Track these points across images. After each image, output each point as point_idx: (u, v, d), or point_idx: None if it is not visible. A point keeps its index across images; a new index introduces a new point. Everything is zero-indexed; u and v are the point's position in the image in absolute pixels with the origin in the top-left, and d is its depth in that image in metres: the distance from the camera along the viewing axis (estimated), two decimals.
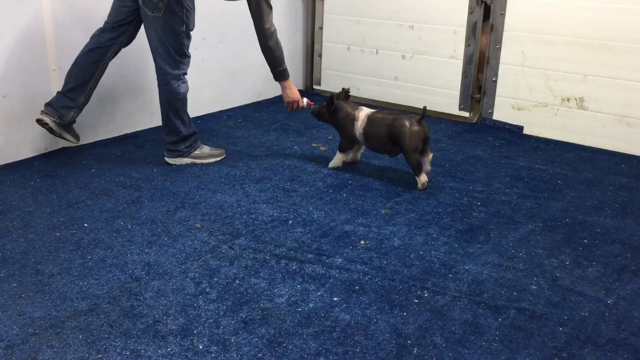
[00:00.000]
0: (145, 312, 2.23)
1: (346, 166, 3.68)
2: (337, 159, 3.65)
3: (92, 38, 3.43)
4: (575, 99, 4.16)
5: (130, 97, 4.11)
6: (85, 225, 2.86)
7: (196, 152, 3.56)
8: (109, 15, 3.41)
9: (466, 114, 4.66)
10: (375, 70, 5.02)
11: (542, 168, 3.73)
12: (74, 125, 3.52)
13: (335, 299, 2.34)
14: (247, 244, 2.73)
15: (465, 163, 3.78)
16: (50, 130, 3.38)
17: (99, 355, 1.99)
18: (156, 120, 4.30)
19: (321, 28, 5.23)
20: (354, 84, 5.15)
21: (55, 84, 3.64)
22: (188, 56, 3.42)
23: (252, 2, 3.40)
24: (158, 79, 3.42)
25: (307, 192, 3.29)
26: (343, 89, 3.61)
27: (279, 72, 3.60)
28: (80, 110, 3.45)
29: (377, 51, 4.97)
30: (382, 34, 4.89)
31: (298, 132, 4.32)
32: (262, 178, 3.47)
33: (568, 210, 3.15)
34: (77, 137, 3.54)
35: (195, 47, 4.43)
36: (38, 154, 3.67)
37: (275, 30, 3.48)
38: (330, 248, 2.71)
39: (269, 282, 2.44)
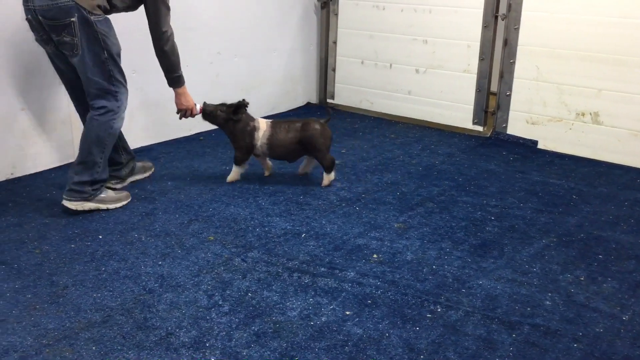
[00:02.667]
0: (158, 324, 2.23)
1: (359, 180, 3.68)
2: (235, 173, 3.56)
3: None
4: (590, 114, 4.14)
5: (145, 111, 4.15)
6: (100, 237, 2.88)
7: (101, 195, 3.17)
8: (69, 94, 3.29)
9: (480, 129, 4.65)
10: (388, 85, 5.03)
11: (557, 183, 3.70)
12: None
13: (347, 312, 2.34)
14: (260, 257, 2.73)
15: (479, 177, 3.77)
16: (117, 189, 3.36)
17: None
18: (171, 133, 4.35)
19: (335, 42, 5.26)
20: (367, 98, 5.17)
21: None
22: (122, 84, 3.10)
23: (149, 4, 3.10)
24: (91, 111, 3.09)
25: (320, 206, 3.29)
26: (243, 99, 3.49)
27: (174, 79, 3.33)
28: (131, 161, 3.48)
29: (390, 65, 4.98)
30: (395, 48, 4.91)
31: None
32: (275, 191, 3.48)
33: (583, 226, 3.12)
34: (148, 169, 3.64)
35: (210, 61, 4.49)
36: (54, 166, 3.71)
37: (172, 33, 3.20)
38: (343, 262, 2.71)
39: (282, 295, 2.44)
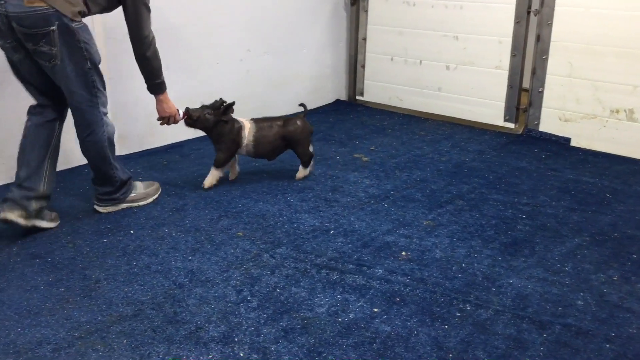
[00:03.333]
0: (187, 318, 2.26)
1: (387, 177, 3.66)
2: (214, 177, 3.43)
3: (31, 114, 2.95)
4: (625, 111, 4.05)
5: (176, 107, 4.19)
6: (132, 232, 2.92)
7: (132, 195, 3.15)
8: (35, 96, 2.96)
9: (511, 125, 4.59)
10: (418, 81, 5.00)
11: (590, 181, 3.64)
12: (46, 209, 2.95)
13: (375, 310, 2.33)
14: (288, 253, 2.74)
15: (510, 175, 3.72)
16: (18, 225, 2.81)
17: None
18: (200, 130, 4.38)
19: (365, 39, 5.24)
20: (396, 95, 5.14)
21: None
22: (103, 92, 2.92)
23: (128, 5, 2.89)
24: (78, 132, 2.93)
25: (348, 203, 3.29)
26: (221, 99, 3.39)
27: (156, 85, 3.15)
28: (45, 199, 2.90)
29: (420, 62, 4.95)
30: (425, 44, 4.87)
31: (340, 142, 4.33)
32: (304, 188, 3.49)
33: (616, 225, 3.06)
34: (54, 220, 2.96)
35: (240, 58, 4.51)
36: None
37: (153, 37, 3.01)
38: (371, 259, 2.70)
39: (310, 291, 2.45)
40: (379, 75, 5.24)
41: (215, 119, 3.31)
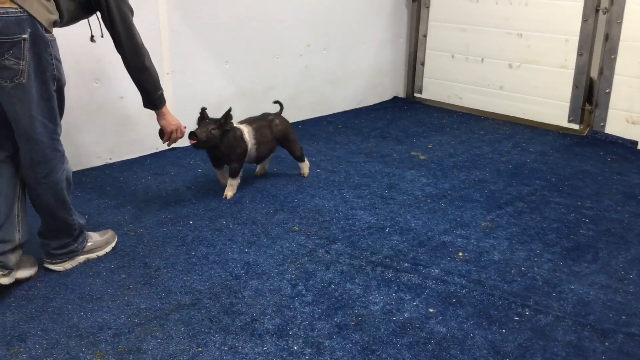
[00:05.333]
0: (243, 309, 2.29)
1: (445, 176, 3.61)
2: (234, 187, 3.29)
3: None
4: None
5: (236, 101, 4.24)
6: (191, 222, 2.98)
7: (89, 244, 2.63)
8: None
9: (576, 127, 4.45)
10: (479, 79, 4.91)
11: None
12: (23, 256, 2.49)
13: (431, 310, 2.30)
14: (344, 249, 2.74)
15: (573, 178, 3.61)
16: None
17: (199, 349, 2.07)
18: None
19: (425, 35, 5.18)
20: (456, 93, 5.06)
21: (168, 87, 3.82)
22: (60, 124, 2.40)
23: (112, 12, 2.46)
24: (31, 173, 2.35)
25: (405, 201, 3.26)
26: (203, 108, 3.21)
27: (158, 98, 2.77)
28: (22, 247, 2.45)
29: (482, 59, 4.85)
30: (488, 42, 4.78)
31: (398, 139, 4.30)
32: (360, 184, 3.48)
33: None
34: (34, 267, 2.51)
35: (300, 53, 4.53)
36: (149, 152, 3.87)
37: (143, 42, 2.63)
38: (427, 258, 2.67)
39: (364, 288, 2.44)
40: (439, 72, 5.16)
41: (220, 131, 3.13)
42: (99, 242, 2.67)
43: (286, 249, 2.74)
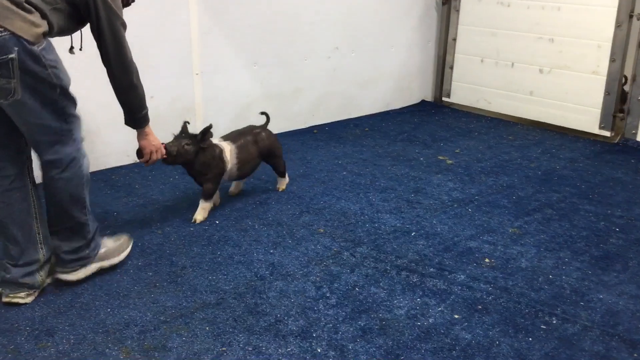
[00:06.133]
0: (268, 310, 2.29)
1: (472, 181, 3.58)
2: (205, 210, 3.02)
3: None
4: None
5: (263, 103, 4.27)
6: (217, 222, 3.00)
7: (102, 250, 2.50)
8: None
9: (607, 134, 4.38)
10: (509, 84, 4.86)
11: None
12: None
13: (456, 316, 2.28)
14: (369, 253, 2.73)
15: (603, 185, 3.55)
16: (28, 303, 2.34)
17: (223, 348, 2.08)
18: (287, 125, 4.44)
19: (455, 39, 5.14)
20: (485, 97, 5.02)
21: (199, 88, 3.86)
22: (76, 115, 2.32)
23: (102, 24, 2.27)
24: (47, 170, 2.29)
25: (431, 205, 3.24)
26: (185, 122, 3.00)
27: (142, 117, 2.56)
28: (49, 262, 2.43)
29: (512, 64, 4.80)
30: (519, 46, 4.73)
31: (425, 143, 4.27)
32: (387, 188, 3.47)
33: None
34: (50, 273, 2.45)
35: (328, 56, 4.53)
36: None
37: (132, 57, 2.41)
38: (453, 263, 2.65)
39: (389, 292, 2.43)
40: (468, 76, 5.12)
41: (195, 148, 2.89)
42: (113, 249, 2.54)
43: (311, 251, 2.74)
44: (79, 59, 2.47)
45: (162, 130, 3.78)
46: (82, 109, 3.31)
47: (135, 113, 2.53)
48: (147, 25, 3.57)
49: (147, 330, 2.17)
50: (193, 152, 2.89)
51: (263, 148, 3.18)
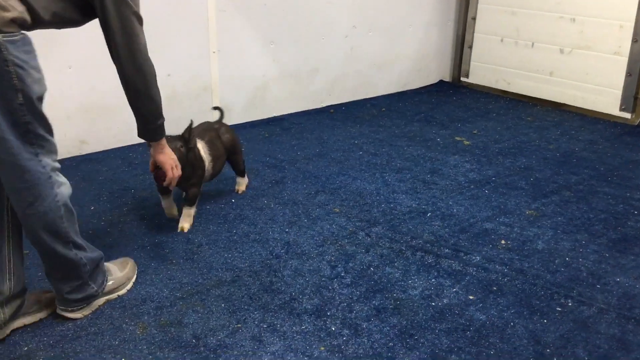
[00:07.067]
0: (283, 288, 2.31)
1: (490, 162, 3.55)
2: (191, 217, 2.72)
3: None
4: None
5: (280, 82, 4.26)
6: (233, 200, 3.01)
7: (109, 283, 2.21)
8: None
9: (627, 116, 4.31)
10: (528, 64, 4.79)
11: None
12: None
13: (471, 297, 2.28)
14: (384, 233, 2.73)
15: (623, 168, 3.50)
16: None
17: (238, 325, 2.10)
18: (303, 105, 4.43)
19: (474, 18, 5.07)
20: (504, 78, 4.96)
21: (215, 66, 3.86)
22: (46, 138, 1.89)
23: (110, 17, 1.93)
24: (15, 202, 1.91)
25: (447, 186, 3.23)
26: (191, 121, 2.63)
27: (157, 128, 2.23)
28: (18, 297, 2.04)
29: (532, 44, 4.73)
30: (539, 26, 4.65)
31: (442, 124, 4.24)
32: (403, 168, 3.45)
33: None
34: (45, 305, 2.15)
35: (345, 35, 4.50)
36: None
37: (149, 58, 2.06)
38: (469, 245, 2.64)
39: (404, 273, 2.43)
40: (487, 56, 5.06)
41: (187, 149, 2.55)
42: (120, 279, 2.26)
43: (326, 231, 2.74)
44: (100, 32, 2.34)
45: (179, 109, 3.81)
46: (102, 84, 3.39)
47: (149, 123, 2.19)
48: (163, 3, 3.57)
49: (163, 306, 2.19)
50: (185, 154, 2.53)
51: (227, 143, 2.86)
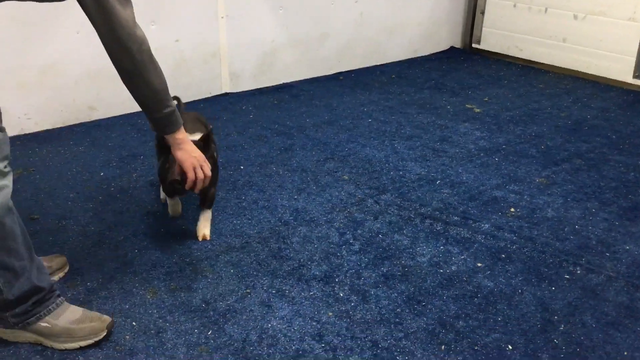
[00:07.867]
0: (291, 255, 2.32)
1: (500, 130, 3.52)
2: (210, 220, 2.43)
3: None
4: None
5: (289, 49, 4.21)
6: (242, 167, 3.01)
7: (43, 325, 1.81)
8: None
9: None
10: (542, 30, 4.71)
11: None
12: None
13: (479, 264, 2.28)
14: (393, 200, 2.73)
15: (635, 136, 3.47)
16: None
17: (247, 290, 2.12)
18: (312, 71, 4.39)
19: None
20: (516, 44, 4.89)
21: (224, 32, 3.82)
22: None
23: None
24: None
25: (457, 154, 3.21)
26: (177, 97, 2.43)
27: (164, 117, 1.93)
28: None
29: (545, 9, 4.65)
30: None
31: (452, 91, 4.20)
32: (412, 136, 3.43)
33: None
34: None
35: (355, 0, 4.43)
36: (203, 97, 3.90)
37: (145, 38, 1.79)
38: (478, 212, 2.64)
39: (412, 240, 2.43)
40: (499, 22, 4.98)
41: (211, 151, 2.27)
42: (71, 329, 1.80)
43: (335, 198, 2.74)
44: None
45: (189, 75, 3.79)
46: None
47: (152, 111, 1.90)
48: None
49: (172, 272, 2.21)
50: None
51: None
